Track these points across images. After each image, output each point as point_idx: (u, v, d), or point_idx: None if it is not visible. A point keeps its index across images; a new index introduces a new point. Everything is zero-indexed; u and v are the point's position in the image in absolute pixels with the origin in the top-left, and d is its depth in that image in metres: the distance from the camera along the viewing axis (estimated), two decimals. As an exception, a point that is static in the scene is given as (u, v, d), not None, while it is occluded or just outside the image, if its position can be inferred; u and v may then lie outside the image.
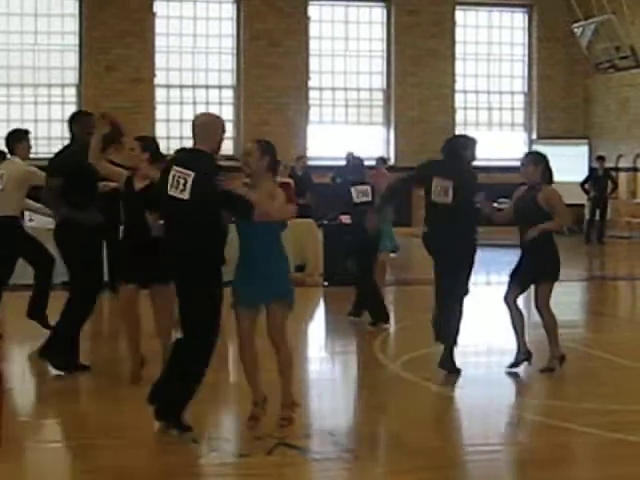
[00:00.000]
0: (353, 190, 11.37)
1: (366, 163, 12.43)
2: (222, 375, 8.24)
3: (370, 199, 11.22)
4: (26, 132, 10.02)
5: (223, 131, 6.78)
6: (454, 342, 8.59)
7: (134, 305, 8.19)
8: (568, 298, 13.07)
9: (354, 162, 12.41)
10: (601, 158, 22.95)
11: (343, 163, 16.98)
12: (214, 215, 6.56)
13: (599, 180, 22.67)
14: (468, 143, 8.73)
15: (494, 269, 15.51)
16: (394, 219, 12.75)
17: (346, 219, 12.25)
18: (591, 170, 23.15)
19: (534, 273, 8.52)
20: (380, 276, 11.84)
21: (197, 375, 6.63)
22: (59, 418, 7.48)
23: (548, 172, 8.54)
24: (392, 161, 23.27)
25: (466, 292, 8.66)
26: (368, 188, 11.38)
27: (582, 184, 22.67)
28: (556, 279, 8.62)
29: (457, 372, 8.58)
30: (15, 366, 9.26)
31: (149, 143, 8.16)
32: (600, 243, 22.22)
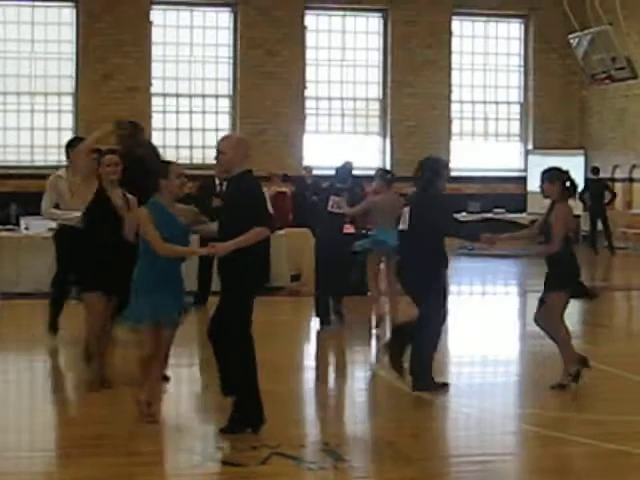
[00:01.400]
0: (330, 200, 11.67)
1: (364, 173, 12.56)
2: (217, 384, 8.19)
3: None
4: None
5: None
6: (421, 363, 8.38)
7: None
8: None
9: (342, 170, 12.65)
10: (595, 169, 22.98)
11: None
12: None
13: (595, 191, 22.69)
14: (439, 169, 8.50)
15: (490, 279, 15.40)
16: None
17: (349, 228, 12.28)
18: (587, 181, 23.14)
19: (546, 284, 8.35)
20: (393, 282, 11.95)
21: None
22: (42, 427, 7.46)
23: (566, 189, 8.32)
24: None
25: (441, 318, 8.41)
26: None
27: (580, 195, 22.66)
28: (565, 289, 8.31)
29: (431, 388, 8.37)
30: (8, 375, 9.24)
31: None
32: (612, 253, 22.15)
